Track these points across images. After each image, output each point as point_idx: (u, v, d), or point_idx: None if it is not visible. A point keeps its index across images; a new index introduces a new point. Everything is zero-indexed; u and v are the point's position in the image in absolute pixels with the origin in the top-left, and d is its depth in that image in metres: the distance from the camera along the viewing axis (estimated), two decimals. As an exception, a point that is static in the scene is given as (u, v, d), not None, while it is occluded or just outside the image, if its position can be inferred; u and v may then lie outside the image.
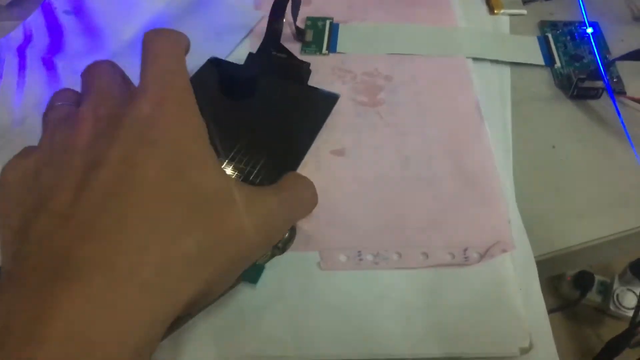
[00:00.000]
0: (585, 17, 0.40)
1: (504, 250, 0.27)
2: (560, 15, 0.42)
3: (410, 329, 0.26)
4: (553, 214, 0.30)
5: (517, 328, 0.25)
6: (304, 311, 0.26)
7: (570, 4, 0.42)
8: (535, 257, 0.28)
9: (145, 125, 0.20)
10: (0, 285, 0.18)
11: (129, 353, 0.17)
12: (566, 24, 0.41)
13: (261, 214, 0.22)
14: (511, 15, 0.42)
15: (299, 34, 0.39)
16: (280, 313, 0.26)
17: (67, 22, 0.39)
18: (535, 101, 0.36)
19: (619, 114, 0.34)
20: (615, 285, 0.89)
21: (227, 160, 0.29)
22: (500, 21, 0.41)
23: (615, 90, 0.35)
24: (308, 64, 0.35)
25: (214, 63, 0.35)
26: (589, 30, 0.40)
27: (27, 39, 0.38)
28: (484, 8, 0.42)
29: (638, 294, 0.84)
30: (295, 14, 0.38)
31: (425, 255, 0.28)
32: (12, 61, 0.37)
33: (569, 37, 0.40)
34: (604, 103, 0.35)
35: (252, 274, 0.26)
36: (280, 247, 0.27)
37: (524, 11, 0.42)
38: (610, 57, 0.38)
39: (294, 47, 0.38)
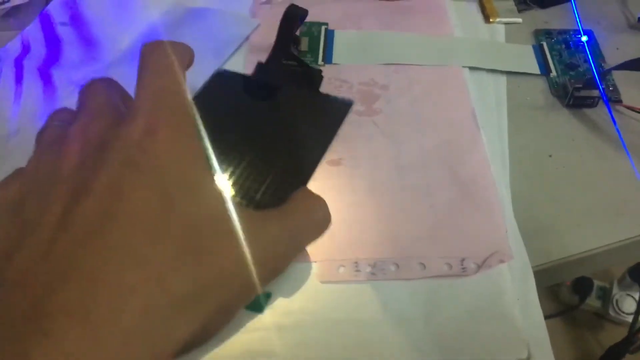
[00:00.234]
0: (579, 25, 0.40)
1: (502, 261, 0.27)
2: (555, 23, 0.42)
3: (408, 340, 0.25)
4: (550, 224, 0.30)
5: (515, 339, 0.25)
6: (299, 323, 0.26)
7: (565, 12, 0.43)
8: (532, 267, 0.28)
9: (134, 150, 0.19)
10: None
11: None
12: (561, 32, 0.41)
13: (264, 244, 0.21)
14: (506, 23, 0.42)
15: (294, 43, 0.39)
16: (275, 325, 0.26)
17: (64, 33, 0.39)
18: (532, 110, 0.36)
19: (614, 122, 0.34)
20: (615, 290, 0.90)
21: (235, 175, 0.29)
22: (495, 30, 0.42)
23: (611, 99, 0.36)
24: (320, 70, 0.34)
25: (222, 75, 0.34)
26: (584, 38, 0.40)
27: (25, 50, 0.38)
28: (479, 17, 0.43)
29: (637, 299, 0.84)
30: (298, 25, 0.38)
31: (423, 265, 0.28)
32: (9, 72, 0.37)
33: (563, 46, 0.40)
34: (600, 112, 0.35)
35: (257, 302, 0.25)
36: None
37: (519, 19, 0.42)
38: (606, 66, 0.38)
39: (291, 57, 0.38)
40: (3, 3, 0.42)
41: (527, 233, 0.29)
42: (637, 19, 0.42)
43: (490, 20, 0.42)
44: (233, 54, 0.39)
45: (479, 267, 0.27)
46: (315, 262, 0.28)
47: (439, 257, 0.28)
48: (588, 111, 0.35)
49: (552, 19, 0.43)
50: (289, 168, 0.29)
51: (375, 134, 0.34)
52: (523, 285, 0.27)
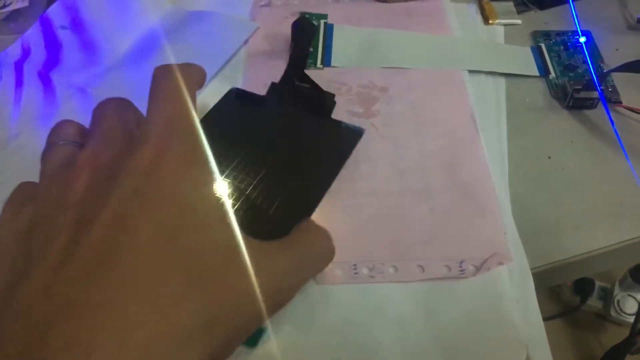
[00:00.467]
0: (577, 26, 0.40)
1: (501, 263, 0.27)
2: (554, 24, 0.42)
3: (407, 343, 0.25)
4: (549, 226, 0.30)
5: (514, 341, 0.25)
6: (297, 326, 0.26)
7: (564, 14, 0.43)
8: (531, 269, 0.28)
9: (142, 179, 0.19)
10: None
11: None
12: (559, 33, 0.41)
13: (270, 277, 0.21)
14: (506, 25, 0.42)
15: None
16: (273, 328, 0.26)
17: (64, 37, 0.40)
18: (531, 112, 0.36)
19: (613, 124, 0.34)
20: (616, 291, 0.89)
21: (243, 197, 0.29)
22: (495, 31, 0.42)
23: (611, 100, 0.35)
24: (333, 95, 0.34)
25: (235, 93, 0.34)
26: (582, 39, 0.40)
27: (25, 53, 0.38)
28: (478, 18, 0.43)
29: (639, 299, 0.84)
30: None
31: (421, 268, 0.28)
32: (9, 76, 0.37)
33: (562, 47, 0.40)
34: (599, 113, 0.35)
35: (251, 336, 0.25)
36: None
37: (519, 21, 0.42)
38: (605, 66, 0.38)
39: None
40: (3, 7, 0.43)
41: (526, 235, 0.29)
42: (636, 20, 0.42)
43: (490, 21, 0.42)
44: (232, 57, 0.39)
45: (478, 269, 0.27)
46: (314, 264, 0.28)
47: (438, 259, 0.28)
48: (587, 112, 0.35)
49: (551, 20, 0.43)
50: (296, 194, 0.29)
51: (374, 136, 0.34)
52: (522, 288, 0.27)
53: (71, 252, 0.17)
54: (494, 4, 0.43)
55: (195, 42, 0.39)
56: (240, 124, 0.33)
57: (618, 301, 0.89)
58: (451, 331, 0.26)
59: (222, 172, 0.29)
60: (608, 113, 0.34)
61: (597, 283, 0.90)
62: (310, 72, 0.37)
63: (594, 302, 0.90)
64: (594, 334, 0.91)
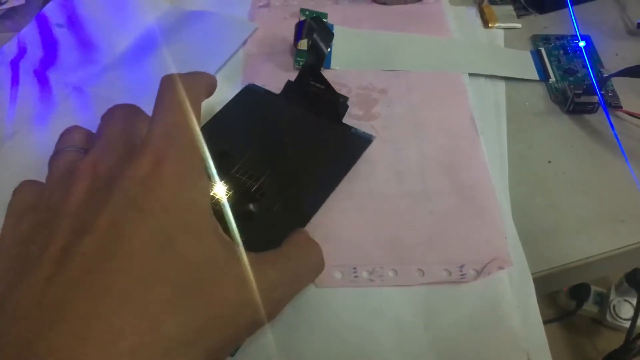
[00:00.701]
0: (577, 30, 0.40)
1: (501, 267, 0.27)
2: (554, 28, 0.42)
3: (406, 347, 0.25)
4: (549, 230, 0.30)
5: (515, 346, 0.25)
6: (297, 329, 0.26)
7: (564, 18, 0.43)
8: (531, 273, 0.28)
9: (139, 189, 0.19)
10: None
11: None
12: (558, 37, 0.41)
13: (260, 289, 0.21)
14: (506, 28, 0.42)
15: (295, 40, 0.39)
16: (272, 331, 0.25)
17: (60, 35, 0.39)
18: (531, 116, 0.36)
19: (613, 129, 0.34)
20: (612, 296, 0.89)
21: (246, 195, 0.29)
22: (494, 35, 0.41)
23: (611, 105, 0.35)
24: (346, 99, 0.33)
25: (250, 90, 0.34)
26: (581, 43, 0.40)
27: (21, 52, 0.38)
28: (478, 22, 0.42)
29: (634, 304, 0.84)
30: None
31: (421, 272, 0.27)
32: (5, 74, 0.37)
33: (561, 51, 0.40)
34: (600, 117, 0.35)
35: None
36: None
37: (519, 25, 0.42)
38: (605, 71, 0.38)
39: (289, 60, 0.38)
40: (-1, 5, 0.42)
41: (526, 239, 0.29)
42: (636, 25, 0.42)
43: (489, 25, 0.42)
44: (231, 57, 0.38)
45: (479, 273, 0.27)
46: (312, 267, 0.28)
47: (438, 263, 0.28)
48: (588, 117, 0.35)
49: (551, 24, 0.43)
50: (298, 197, 0.29)
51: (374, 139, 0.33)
52: (522, 292, 0.27)
53: (64, 261, 0.18)
54: (493, 7, 0.43)
55: (193, 42, 0.39)
56: (251, 121, 0.33)
57: (614, 306, 0.89)
58: (451, 336, 0.26)
59: (229, 169, 0.29)
60: (608, 118, 0.34)
61: (593, 288, 0.90)
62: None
63: (590, 307, 0.90)
64: (589, 339, 0.91)
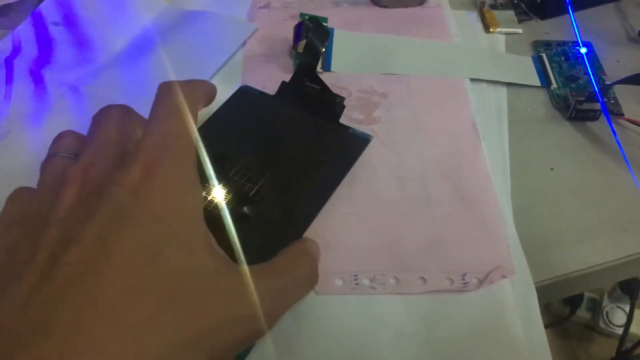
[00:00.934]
0: (578, 37, 0.40)
1: (504, 276, 0.27)
2: (555, 34, 0.42)
3: (408, 356, 0.25)
4: (552, 239, 0.29)
5: (517, 356, 0.25)
6: (297, 337, 0.25)
7: (565, 24, 0.42)
8: (534, 282, 0.27)
9: (129, 197, 0.19)
10: None
11: None
12: (560, 43, 0.41)
13: (251, 303, 0.20)
14: (507, 34, 0.42)
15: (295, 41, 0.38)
16: (271, 339, 0.25)
17: (56, 33, 0.38)
18: (533, 122, 0.35)
19: (615, 136, 0.33)
20: (605, 302, 0.89)
21: (244, 199, 0.28)
22: (496, 39, 0.41)
23: (613, 112, 0.35)
24: (342, 99, 0.33)
25: (244, 91, 0.33)
26: (583, 50, 0.40)
27: (16, 50, 0.37)
28: (479, 26, 0.42)
29: (627, 311, 0.84)
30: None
31: (423, 280, 0.27)
32: (-1, 73, 0.36)
33: (563, 58, 0.40)
34: (601, 125, 0.35)
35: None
36: None
37: (520, 30, 0.42)
38: (606, 78, 0.38)
39: (289, 62, 0.38)
40: (-6, 1, 0.41)
41: (529, 248, 0.28)
42: (637, 33, 0.42)
43: (491, 30, 0.41)
44: (230, 59, 0.38)
45: (481, 282, 0.27)
46: (312, 274, 0.27)
47: (440, 271, 0.27)
48: (589, 124, 0.35)
49: (552, 30, 0.42)
50: (298, 200, 0.28)
51: (375, 143, 0.33)
52: (525, 302, 0.27)
53: (49, 271, 0.17)
54: (495, 12, 0.43)
55: (192, 42, 0.38)
56: (247, 123, 0.32)
57: (607, 313, 0.89)
58: (453, 345, 0.25)
59: (227, 172, 0.29)
60: (611, 125, 0.34)
61: (586, 294, 0.90)
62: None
63: (583, 313, 0.90)
64: (582, 345, 0.91)
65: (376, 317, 0.26)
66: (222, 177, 0.29)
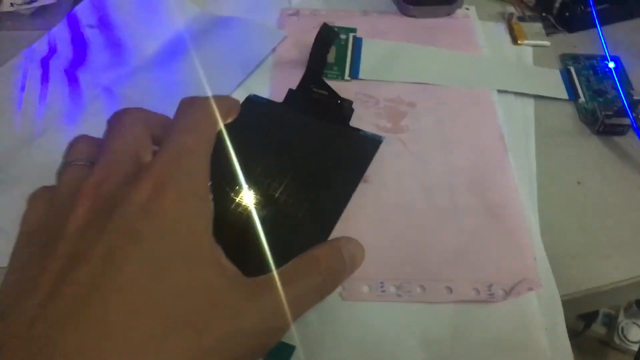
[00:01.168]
0: (606, 51, 0.40)
1: (531, 288, 0.27)
2: (583, 48, 0.42)
3: (433, 364, 0.25)
4: (578, 252, 0.29)
5: (543, 369, 0.25)
6: (322, 342, 0.26)
7: (593, 37, 0.42)
8: (560, 296, 0.27)
9: (138, 215, 0.19)
10: None
11: None
12: (588, 57, 0.41)
13: (259, 318, 0.20)
14: (534, 46, 0.42)
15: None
16: (297, 344, 0.25)
17: (91, 35, 0.39)
18: (560, 135, 0.35)
19: (644, 152, 0.33)
20: (621, 317, 0.89)
21: (272, 202, 0.29)
22: (523, 52, 0.41)
23: (641, 127, 0.35)
24: (351, 102, 0.33)
25: (251, 101, 0.34)
26: (611, 64, 0.40)
27: (52, 50, 0.38)
28: (507, 38, 0.42)
29: (644, 328, 0.83)
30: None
31: (449, 289, 0.27)
32: (35, 72, 0.37)
33: (591, 71, 0.40)
34: (630, 140, 0.35)
35: (281, 354, 0.25)
36: None
37: (547, 43, 0.42)
38: (634, 93, 0.38)
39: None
40: (30, 2, 0.42)
41: (554, 261, 0.29)
42: (666, 48, 0.41)
43: (518, 42, 0.42)
44: (259, 65, 0.38)
45: (508, 294, 0.27)
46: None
47: (466, 281, 0.27)
48: (617, 139, 0.35)
49: (580, 43, 0.42)
50: (318, 205, 0.29)
51: (402, 152, 0.33)
52: (551, 315, 0.27)
53: (58, 287, 0.17)
54: (523, 24, 0.43)
55: (222, 47, 0.39)
56: (257, 131, 0.32)
57: (622, 328, 0.88)
58: (478, 355, 0.25)
59: (248, 178, 0.29)
60: (640, 140, 0.34)
61: (602, 309, 0.89)
62: (337, 84, 0.37)
63: (597, 328, 0.89)
64: (597, 360, 0.90)
65: (402, 325, 0.26)
66: (243, 183, 0.29)
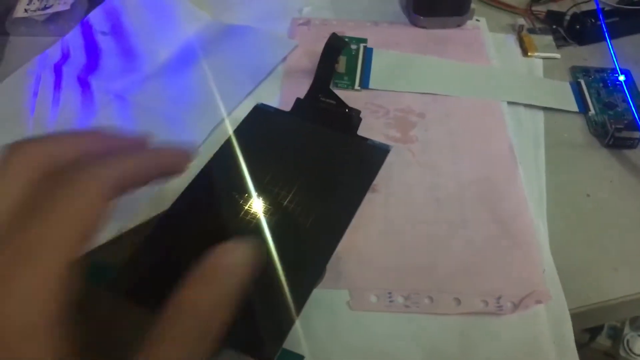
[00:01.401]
0: (616, 64, 0.40)
1: (539, 301, 0.27)
2: (593, 61, 0.42)
3: (440, 377, 0.25)
4: (586, 266, 0.29)
5: (551, 383, 0.25)
6: (331, 351, 0.26)
7: (603, 50, 0.42)
8: (569, 309, 0.27)
9: None
10: None
11: None
12: (598, 70, 0.41)
13: None
14: (545, 58, 0.42)
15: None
16: (305, 353, 0.25)
17: (104, 42, 0.40)
18: (569, 148, 0.35)
19: (654, 166, 0.33)
20: (626, 330, 0.88)
21: (281, 210, 0.29)
22: (533, 64, 0.41)
23: (652, 141, 0.35)
24: (358, 112, 0.33)
25: (259, 110, 0.34)
26: (621, 78, 0.40)
27: (65, 56, 0.39)
28: (517, 50, 0.42)
29: (650, 341, 0.82)
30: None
31: (458, 301, 0.27)
32: (48, 78, 0.37)
33: (601, 84, 0.40)
34: (640, 153, 0.35)
35: None
36: None
37: (558, 55, 0.42)
38: (644, 107, 0.38)
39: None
40: (44, 8, 0.43)
41: (563, 274, 0.28)
42: (676, 62, 0.41)
43: (529, 54, 0.42)
44: (269, 74, 0.39)
45: (516, 306, 0.27)
46: (348, 288, 0.27)
47: (475, 293, 0.27)
48: (627, 152, 0.35)
49: (591, 56, 0.42)
50: (325, 215, 0.29)
51: (412, 162, 0.33)
52: (559, 328, 0.27)
53: None
54: (533, 36, 0.43)
55: (233, 56, 0.39)
56: (265, 140, 0.32)
57: (628, 341, 0.87)
58: (486, 368, 0.25)
59: (256, 187, 0.29)
60: (650, 154, 0.34)
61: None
62: (347, 94, 0.37)
63: (603, 341, 0.88)
64: (603, 373, 0.89)
65: (409, 336, 0.26)
66: (252, 193, 0.29)
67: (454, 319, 0.27)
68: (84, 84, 0.37)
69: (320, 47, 0.38)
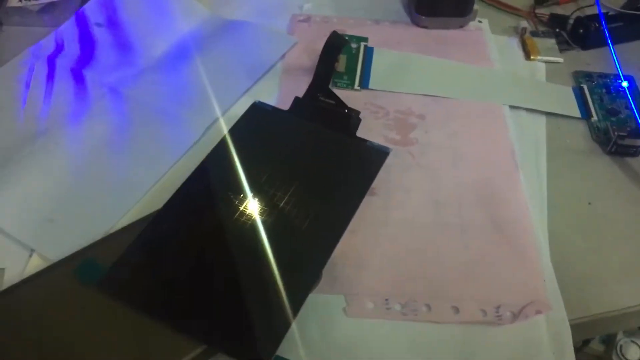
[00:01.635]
0: (619, 70, 0.40)
1: (539, 311, 0.26)
2: (596, 66, 0.41)
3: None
4: (588, 275, 0.29)
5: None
6: (325, 358, 0.25)
7: (607, 56, 0.42)
8: (569, 320, 0.27)
9: None
10: None
11: None
12: (601, 75, 0.40)
13: None
14: (547, 62, 0.41)
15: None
16: (299, 359, 0.25)
17: (99, 34, 0.39)
18: (571, 154, 0.35)
19: (657, 174, 0.33)
20: (619, 336, 0.87)
21: (278, 210, 0.28)
22: (536, 67, 0.41)
23: (655, 149, 0.35)
24: (358, 112, 0.33)
25: (257, 108, 0.33)
26: (624, 84, 0.39)
27: (58, 48, 0.38)
28: (520, 53, 0.42)
29: (643, 347, 0.82)
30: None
31: (456, 309, 0.27)
32: (41, 70, 0.36)
33: (604, 90, 0.39)
34: (642, 161, 0.34)
35: None
36: None
37: (560, 59, 0.42)
38: (647, 114, 0.37)
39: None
40: (38, -2, 0.42)
41: (564, 283, 0.28)
42: (680, 69, 0.41)
43: (531, 57, 0.41)
44: (268, 71, 0.38)
45: (516, 316, 0.26)
46: (344, 294, 0.27)
47: (474, 301, 0.27)
48: (629, 160, 0.34)
49: (594, 61, 0.42)
50: (323, 217, 0.28)
51: (411, 165, 0.33)
52: (558, 338, 0.26)
53: None
54: (536, 39, 0.42)
55: (231, 52, 0.39)
56: (262, 139, 0.32)
57: (621, 346, 0.87)
58: (484, 379, 0.25)
59: (254, 187, 0.29)
60: (654, 163, 0.33)
61: (601, 326, 0.89)
62: (346, 94, 0.36)
63: (596, 346, 0.88)
64: (595, 379, 0.89)
65: (407, 344, 0.26)
66: (249, 192, 0.28)
67: (451, 327, 0.26)
68: (77, 76, 0.36)
69: (320, 44, 0.38)
